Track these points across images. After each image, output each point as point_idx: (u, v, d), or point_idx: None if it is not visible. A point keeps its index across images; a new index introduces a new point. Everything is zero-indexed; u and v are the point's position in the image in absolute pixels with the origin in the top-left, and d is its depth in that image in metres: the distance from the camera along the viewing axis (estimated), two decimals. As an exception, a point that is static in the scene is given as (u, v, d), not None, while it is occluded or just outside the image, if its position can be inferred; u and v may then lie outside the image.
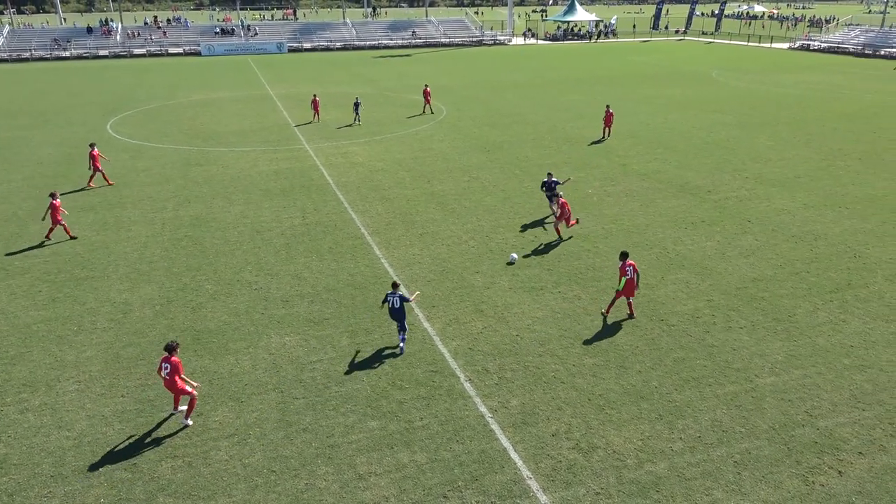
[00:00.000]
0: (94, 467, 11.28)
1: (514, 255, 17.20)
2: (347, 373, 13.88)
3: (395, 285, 14.28)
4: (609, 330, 15.43)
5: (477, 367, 14.00)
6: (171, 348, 12.05)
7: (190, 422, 12.39)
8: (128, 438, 11.98)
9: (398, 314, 14.25)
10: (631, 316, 15.91)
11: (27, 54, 79.75)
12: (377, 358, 14.40)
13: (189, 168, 29.99)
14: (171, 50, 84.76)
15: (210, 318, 16.30)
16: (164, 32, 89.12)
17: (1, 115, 43.75)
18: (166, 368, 11.96)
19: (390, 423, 12.27)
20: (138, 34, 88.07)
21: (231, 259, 19.83)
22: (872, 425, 11.97)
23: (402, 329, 14.46)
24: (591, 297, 17.08)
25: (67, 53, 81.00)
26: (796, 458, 11.17)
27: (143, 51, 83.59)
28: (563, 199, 20.49)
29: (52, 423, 12.44)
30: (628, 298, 15.87)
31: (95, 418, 12.56)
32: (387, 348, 14.78)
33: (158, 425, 12.32)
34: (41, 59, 79.68)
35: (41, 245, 21.03)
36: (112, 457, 11.52)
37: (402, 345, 14.51)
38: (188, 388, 12.24)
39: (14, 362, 14.43)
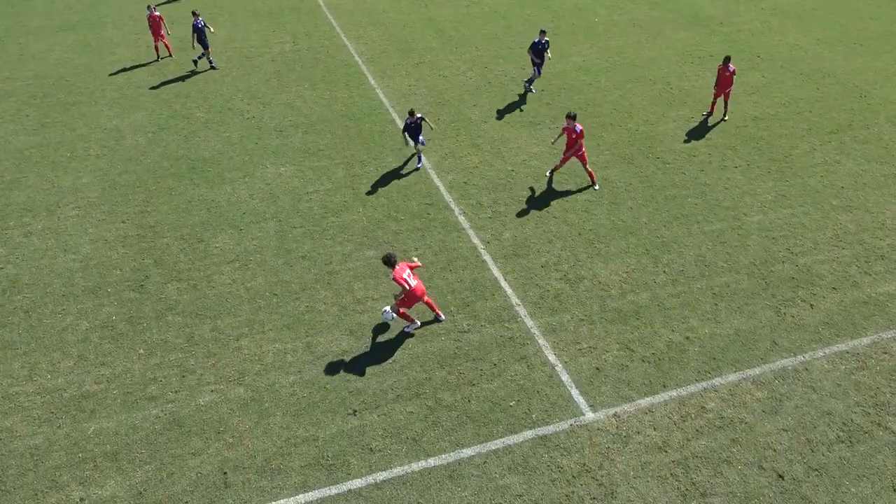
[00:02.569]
0: (102, 288, 11.83)
1: (388, 313, 10.50)
2: (344, 203, 14.08)
3: (411, 112, 14.79)
4: (603, 166, 15.45)
5: (471, 201, 14.21)
6: (390, 261, 10.31)
7: (418, 323, 10.93)
8: (133, 261, 12.43)
9: (415, 133, 15.04)
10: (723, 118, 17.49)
11: None
12: (373, 190, 14.54)
13: (169, -15, 27.94)
14: None
15: (203, 146, 16.15)
16: None
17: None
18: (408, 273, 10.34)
19: (386, 252, 12.68)
20: None
21: (221, 86, 19.21)
22: (849, 262, 12.48)
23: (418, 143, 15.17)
24: (589, 131, 16.87)
25: None
26: (772, 291, 11.78)
27: None
28: (577, 129, 13.92)
29: (57, 247, 12.82)
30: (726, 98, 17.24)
31: (99, 242, 12.93)
32: (382, 180, 14.87)
33: (161, 253, 12.71)
34: None
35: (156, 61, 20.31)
36: (119, 279, 12.03)
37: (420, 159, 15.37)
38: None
39: (11, 187, 14.51)
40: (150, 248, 12.80)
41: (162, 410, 9.60)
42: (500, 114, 17.80)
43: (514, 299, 11.59)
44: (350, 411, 9.58)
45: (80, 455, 9.00)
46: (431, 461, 8.89)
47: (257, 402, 9.73)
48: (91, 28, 23.34)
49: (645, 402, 9.68)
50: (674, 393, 9.82)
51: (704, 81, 19.74)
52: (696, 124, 17.36)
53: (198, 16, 19.40)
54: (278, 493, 8.51)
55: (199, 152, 15.90)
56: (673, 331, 10.91)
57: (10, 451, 9.05)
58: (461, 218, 13.67)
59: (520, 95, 18.65)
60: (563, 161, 14.42)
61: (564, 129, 14.09)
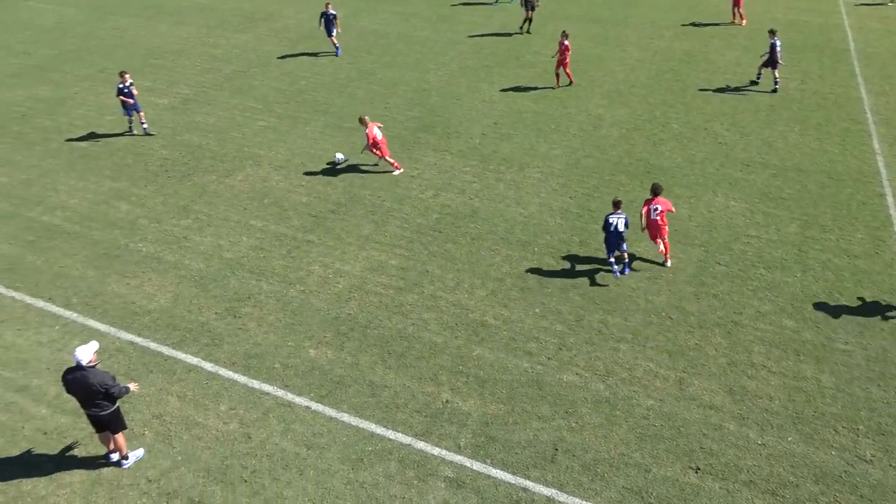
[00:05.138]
0: (531, 245, 13.35)
1: (340, 156, 13.28)
2: (782, 261, 12.81)
3: (617, 204, 12.24)
4: None
5: (946, 321, 11.37)
6: (657, 190, 12.31)
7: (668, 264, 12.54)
8: (563, 233, 13.66)
9: (618, 239, 12.19)
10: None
11: None
12: (823, 260, 12.83)
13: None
14: None
15: (666, 156, 16.49)
16: None
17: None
18: (656, 210, 12.17)
19: (807, 331, 11.19)
20: None
21: (706, 104, 19.13)
22: None
23: (618, 259, 12.57)
24: None
25: None
26: None
27: None
28: None
29: (513, 198, 14.90)
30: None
31: (544, 207, 14.56)
32: (839, 254, 12.98)
33: (588, 236, 13.62)
34: None
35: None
36: (546, 243, 13.39)
37: (617, 273, 12.57)
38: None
39: (503, 139, 17.33)
40: (582, 228, 13.84)
41: (531, 367, 10.55)
42: None
43: (953, 459, 9.04)
44: (694, 466, 8.99)
45: (461, 367, 10.57)
46: (757, 568, 7.81)
47: (611, 405, 9.89)
48: (615, 25, 25.61)
49: None
50: None
51: None
52: None
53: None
54: (592, 497, 8.62)
55: (660, 160, 16.29)
56: None
57: (418, 338, 11.16)
58: (922, 334, 11.10)
59: None
60: None
61: None
